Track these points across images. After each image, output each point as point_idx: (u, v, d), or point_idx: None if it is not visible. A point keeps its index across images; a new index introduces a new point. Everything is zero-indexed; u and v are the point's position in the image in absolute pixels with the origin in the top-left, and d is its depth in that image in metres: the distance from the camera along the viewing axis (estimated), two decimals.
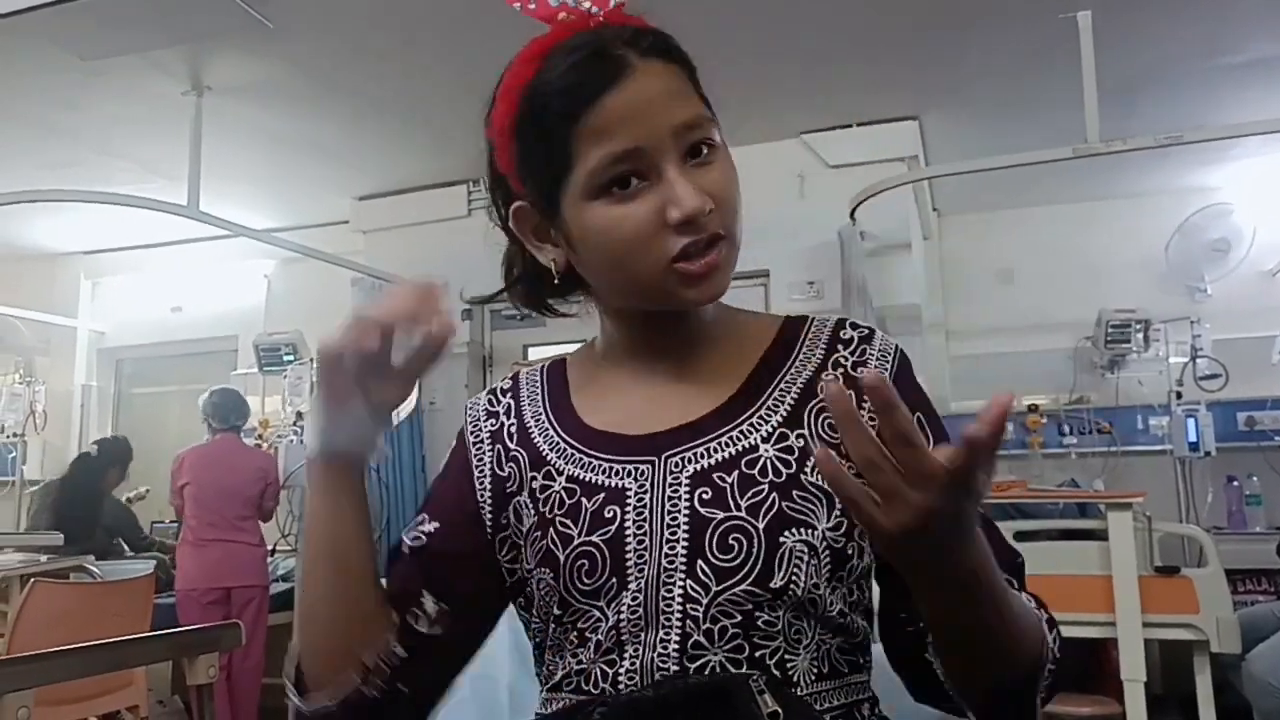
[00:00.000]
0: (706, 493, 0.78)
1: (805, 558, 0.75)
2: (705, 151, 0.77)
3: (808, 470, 0.78)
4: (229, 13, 3.04)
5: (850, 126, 4.14)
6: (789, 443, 0.80)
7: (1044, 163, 3.41)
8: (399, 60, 3.48)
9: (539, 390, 0.92)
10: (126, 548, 4.75)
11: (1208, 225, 4.65)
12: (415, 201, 4.79)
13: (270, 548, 4.70)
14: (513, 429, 0.89)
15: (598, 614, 0.78)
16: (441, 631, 0.82)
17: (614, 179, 0.75)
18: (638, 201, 0.75)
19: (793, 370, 0.85)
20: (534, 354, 4.56)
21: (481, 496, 0.87)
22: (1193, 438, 4.27)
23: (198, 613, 3.94)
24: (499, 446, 0.89)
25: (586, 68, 0.75)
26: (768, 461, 0.78)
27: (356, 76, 3.61)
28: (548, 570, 0.80)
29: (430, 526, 0.87)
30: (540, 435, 0.87)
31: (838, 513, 0.77)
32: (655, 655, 0.75)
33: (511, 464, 0.87)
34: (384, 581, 0.85)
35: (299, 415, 4.70)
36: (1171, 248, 4.69)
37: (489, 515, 0.87)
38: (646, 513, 0.78)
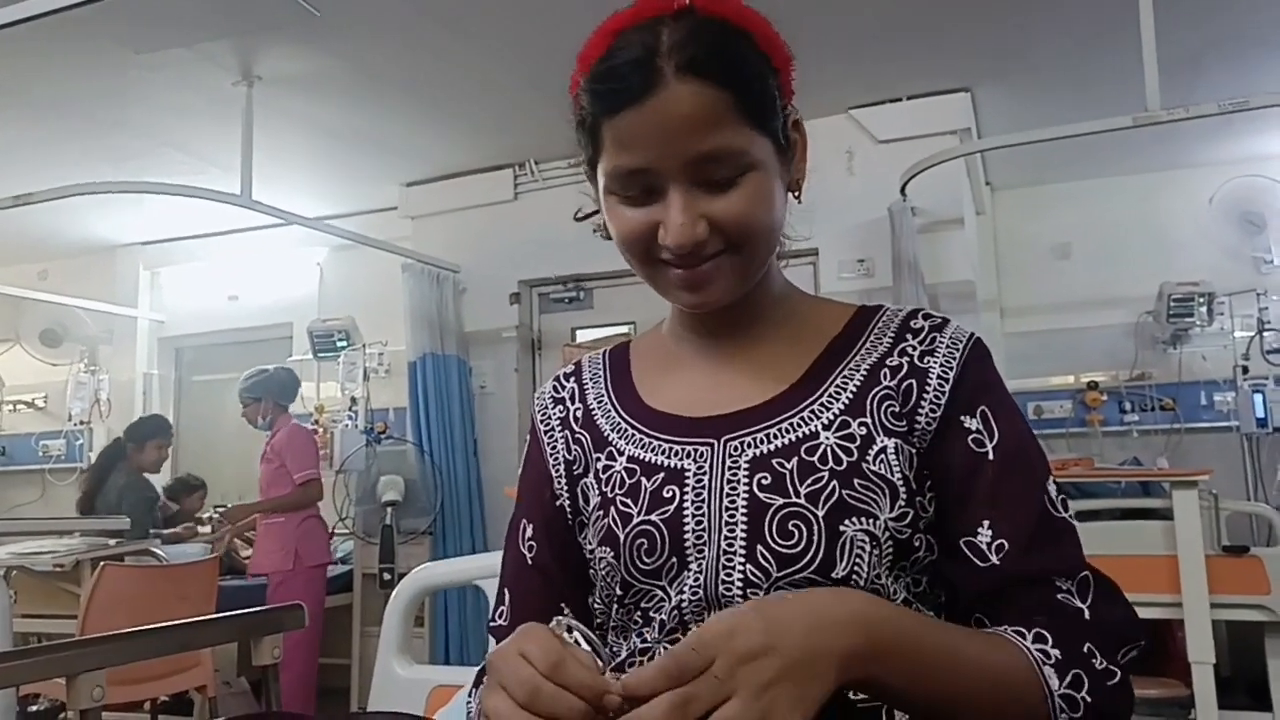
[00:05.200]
0: (766, 478, 0.77)
1: (867, 547, 0.74)
2: (734, 177, 0.76)
3: (870, 459, 0.77)
4: (276, 2, 3.07)
5: (899, 100, 4.06)
6: (850, 430, 0.78)
7: (1102, 133, 3.30)
8: (444, 46, 3.49)
9: (601, 373, 0.93)
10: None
11: (1245, 196, 4.49)
12: (462, 186, 4.81)
13: (330, 530, 4.80)
14: (578, 412, 0.91)
15: (660, 594, 0.79)
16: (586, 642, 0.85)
17: (627, 185, 0.78)
18: (643, 210, 0.78)
19: (858, 357, 0.83)
20: (582, 336, 4.57)
21: (558, 484, 0.90)
22: (1260, 413, 4.15)
23: (321, 589, 4.10)
24: (566, 432, 0.91)
25: (624, 74, 0.74)
26: (828, 449, 0.77)
27: (403, 63, 3.63)
28: (609, 549, 0.81)
29: (530, 530, 0.90)
30: (603, 416, 0.89)
31: (902, 503, 0.76)
32: None
33: (577, 446, 0.89)
34: (507, 594, 0.90)
35: (353, 400, 4.78)
36: (1212, 213, 4.54)
37: (568, 503, 0.89)
38: (705, 494, 0.78)
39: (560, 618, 0.68)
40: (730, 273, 0.78)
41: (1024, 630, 0.72)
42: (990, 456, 0.78)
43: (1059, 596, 0.74)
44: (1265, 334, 4.31)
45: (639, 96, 0.74)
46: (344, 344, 4.87)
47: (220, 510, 4.64)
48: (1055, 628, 0.72)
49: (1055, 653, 0.70)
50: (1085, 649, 0.71)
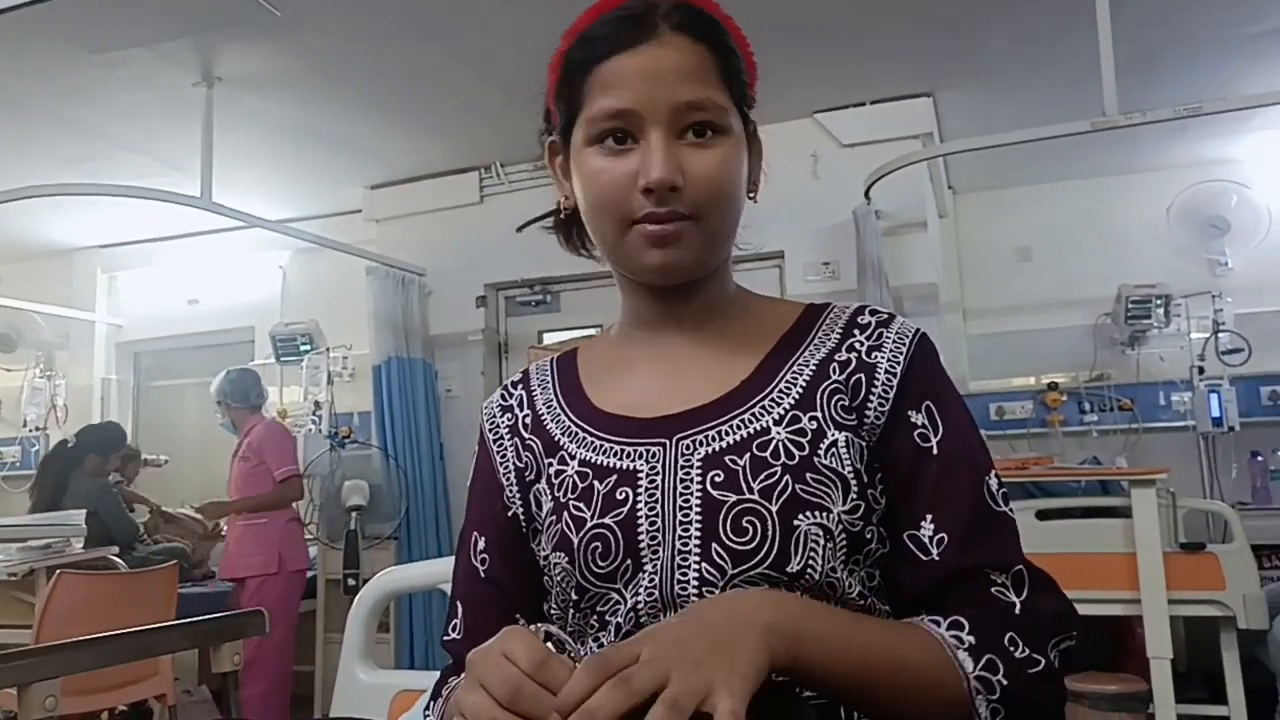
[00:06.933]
0: (719, 475, 0.77)
1: (821, 541, 0.75)
2: (708, 135, 0.78)
3: (821, 453, 0.77)
4: (236, 2, 3.03)
5: (863, 105, 4.09)
6: (801, 425, 0.79)
7: (1061, 137, 3.36)
8: (408, 47, 3.46)
9: (550, 378, 0.93)
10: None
11: (1205, 202, 4.59)
12: (427, 189, 4.78)
13: None
14: (527, 419, 0.90)
15: (616, 596, 0.78)
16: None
17: (608, 131, 0.79)
18: (623, 159, 0.78)
19: (807, 353, 0.84)
20: (549, 339, 4.56)
21: (509, 494, 0.89)
22: (1216, 413, 4.23)
23: (299, 594, 4.06)
24: (516, 439, 0.90)
25: (619, 26, 0.79)
26: (780, 444, 0.78)
27: (365, 64, 3.60)
28: (563, 555, 0.80)
29: (482, 542, 0.90)
30: (552, 421, 0.88)
31: (854, 495, 0.77)
32: None
33: (528, 453, 0.88)
34: (460, 607, 0.89)
35: (316, 404, 4.72)
36: (1171, 220, 4.63)
37: (520, 511, 0.88)
38: (659, 494, 0.78)
39: (538, 624, 0.67)
40: (693, 240, 0.79)
41: (941, 619, 0.73)
42: (935, 451, 0.79)
43: (993, 590, 0.75)
44: (1220, 335, 4.40)
45: (634, 42, 0.78)
46: (307, 348, 4.82)
47: (195, 508, 4.57)
48: (977, 617, 0.73)
49: (970, 639, 0.72)
50: (1006, 638, 0.72)
